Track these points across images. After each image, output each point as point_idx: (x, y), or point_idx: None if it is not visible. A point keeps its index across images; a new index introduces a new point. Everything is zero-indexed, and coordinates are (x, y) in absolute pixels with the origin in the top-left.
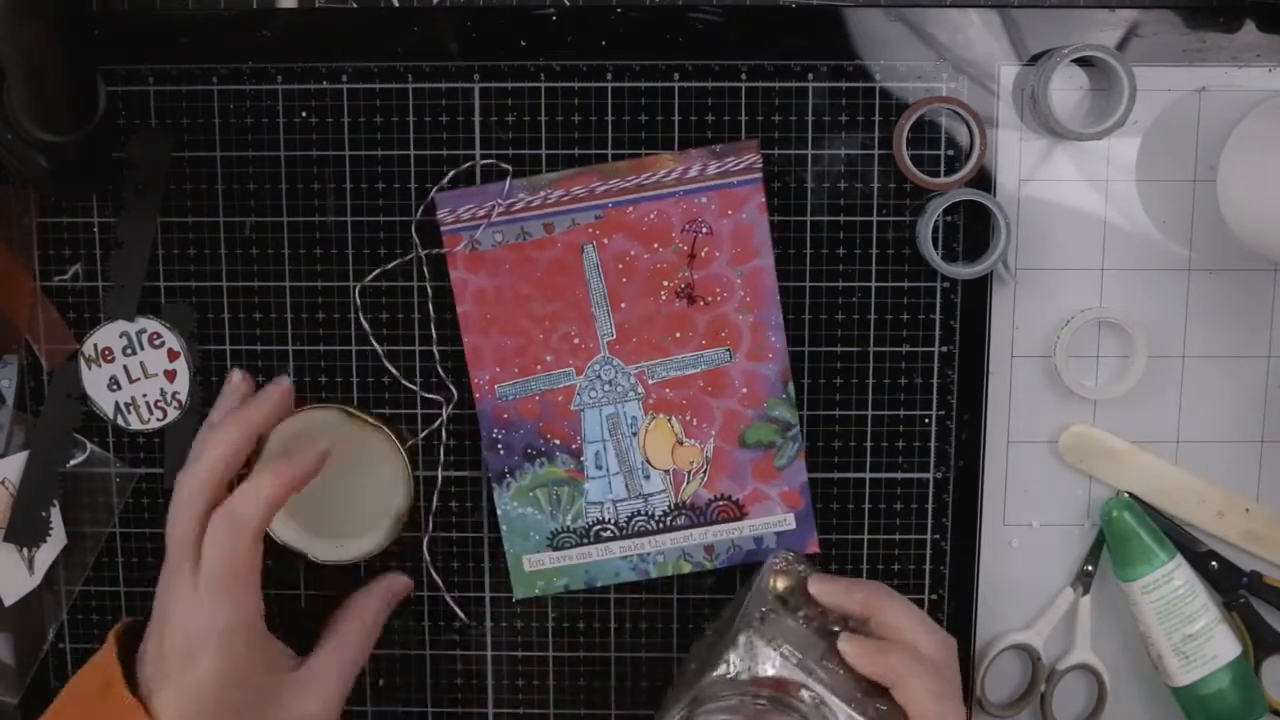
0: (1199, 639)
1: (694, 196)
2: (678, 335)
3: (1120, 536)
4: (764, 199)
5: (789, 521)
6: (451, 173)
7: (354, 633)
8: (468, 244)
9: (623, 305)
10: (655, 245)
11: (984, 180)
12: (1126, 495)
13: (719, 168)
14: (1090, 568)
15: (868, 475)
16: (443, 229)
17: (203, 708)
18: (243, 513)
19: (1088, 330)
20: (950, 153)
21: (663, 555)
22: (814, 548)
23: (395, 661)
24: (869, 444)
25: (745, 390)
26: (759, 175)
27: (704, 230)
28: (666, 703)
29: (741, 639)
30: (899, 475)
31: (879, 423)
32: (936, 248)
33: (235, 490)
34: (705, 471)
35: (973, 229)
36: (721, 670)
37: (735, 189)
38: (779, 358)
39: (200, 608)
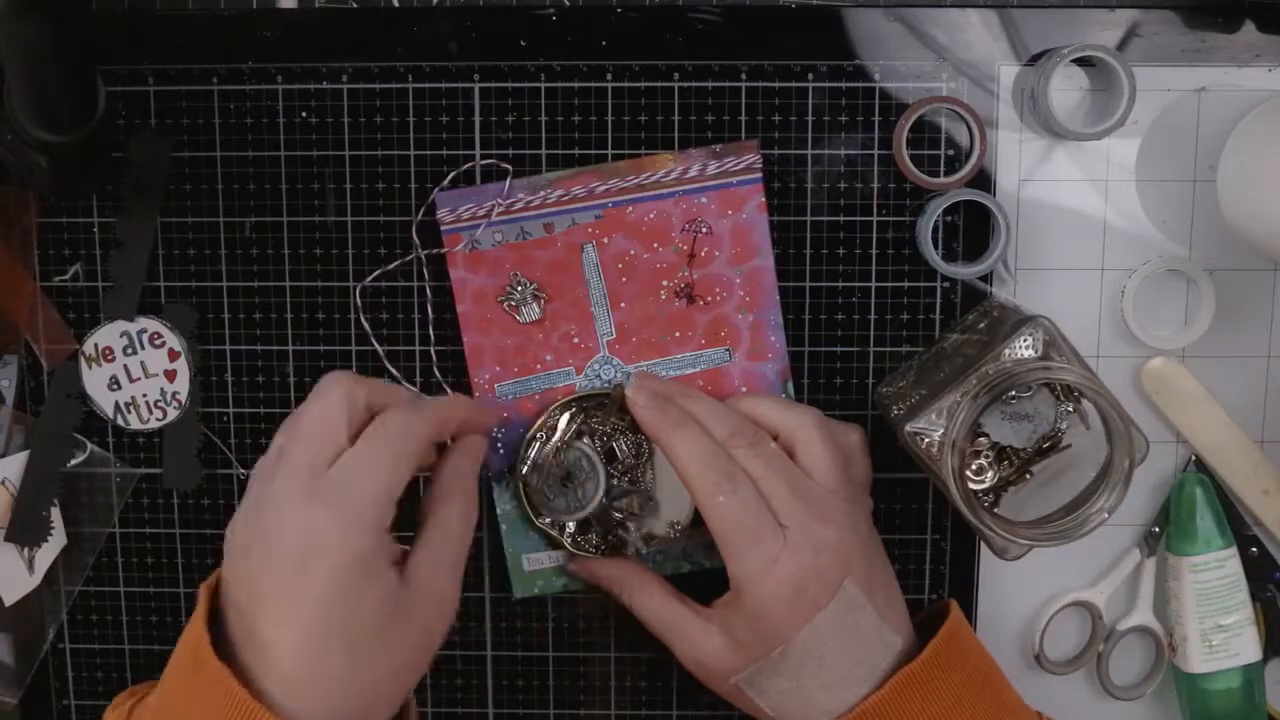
0: (1228, 632)
1: (694, 196)
2: (677, 335)
3: (1186, 510)
4: (764, 199)
5: None
6: (452, 173)
7: (457, 508)
8: (468, 244)
9: (622, 305)
10: (655, 245)
11: (984, 180)
12: (1197, 469)
13: (719, 167)
14: (1157, 529)
15: None
16: (443, 229)
17: (318, 630)
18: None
19: (1149, 283)
20: (950, 153)
21: (662, 555)
22: None
23: None
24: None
25: (745, 390)
26: (759, 175)
27: (704, 230)
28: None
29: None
30: (899, 475)
31: (878, 424)
32: (937, 248)
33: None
34: None
35: (972, 229)
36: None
37: (735, 189)
38: (779, 357)
39: (321, 505)
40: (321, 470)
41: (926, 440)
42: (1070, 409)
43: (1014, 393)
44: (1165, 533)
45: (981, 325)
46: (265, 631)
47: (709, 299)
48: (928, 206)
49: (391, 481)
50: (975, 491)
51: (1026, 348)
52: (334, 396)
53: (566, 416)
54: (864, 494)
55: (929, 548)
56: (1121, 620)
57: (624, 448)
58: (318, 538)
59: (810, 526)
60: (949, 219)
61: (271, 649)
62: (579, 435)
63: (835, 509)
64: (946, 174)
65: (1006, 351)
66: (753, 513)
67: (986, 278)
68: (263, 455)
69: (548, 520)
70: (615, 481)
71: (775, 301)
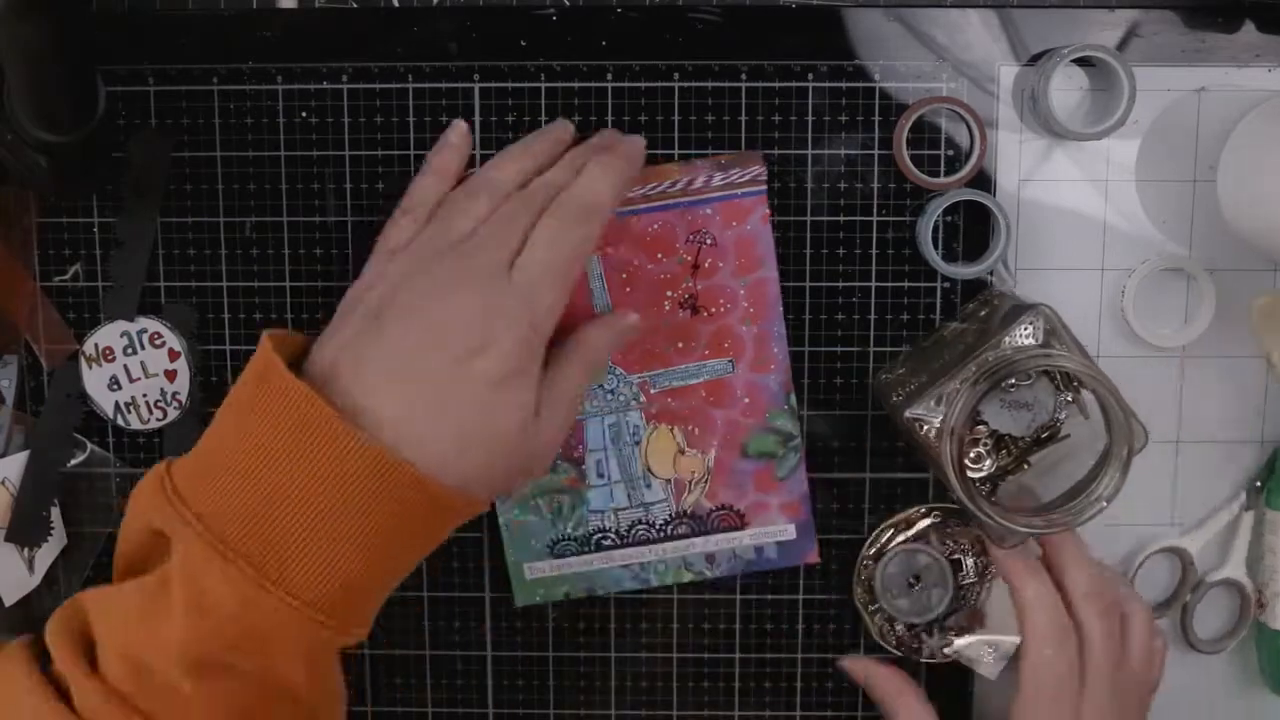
0: None
1: (698, 207)
2: (680, 345)
3: None
4: (768, 210)
5: (789, 531)
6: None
7: (580, 367)
8: None
9: None
10: (659, 255)
11: (984, 180)
12: None
13: (724, 179)
14: (1259, 484)
15: (868, 475)
16: None
17: (471, 422)
18: (594, 198)
19: (1150, 282)
20: (950, 153)
21: (664, 564)
22: (813, 558)
23: (395, 661)
24: (869, 444)
25: (747, 401)
26: (764, 187)
27: (708, 241)
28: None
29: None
30: (899, 475)
31: (879, 423)
32: (937, 248)
33: (580, 177)
34: (707, 481)
35: (972, 229)
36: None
37: (740, 200)
38: (781, 369)
39: (512, 299)
40: (510, 257)
41: (925, 426)
42: (1069, 398)
43: (1013, 380)
44: (1267, 487)
45: (982, 313)
46: (390, 408)
47: (713, 310)
48: (928, 206)
49: (567, 293)
50: (973, 479)
51: (1027, 335)
52: (508, 174)
53: (928, 521)
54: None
55: None
56: (1212, 572)
57: (969, 564)
58: (503, 325)
59: (1105, 713)
60: (949, 219)
61: (400, 423)
62: (929, 539)
63: (1134, 708)
64: (946, 174)
65: (1006, 339)
66: (1066, 677)
67: (986, 277)
68: (402, 217)
69: (877, 607)
70: (959, 597)
71: (779, 313)
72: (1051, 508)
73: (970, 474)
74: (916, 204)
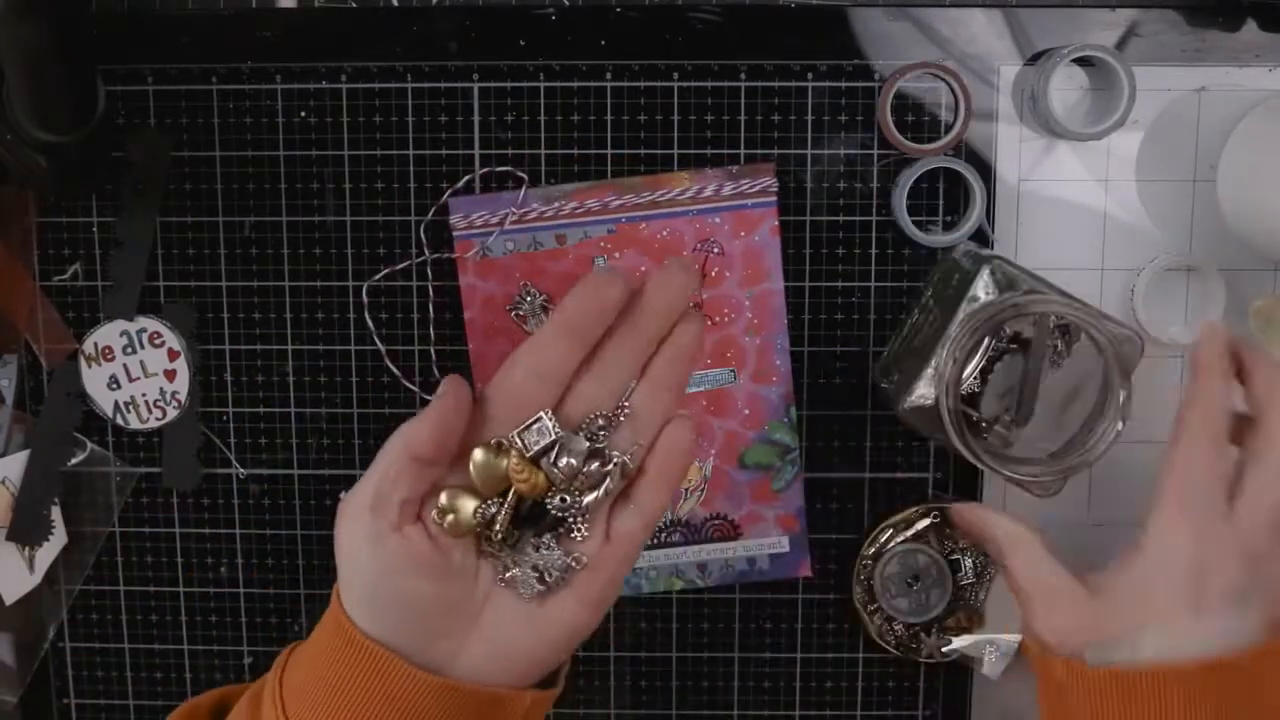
0: None
1: (708, 216)
2: None
3: None
4: (777, 222)
5: (783, 544)
6: (467, 177)
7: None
8: (479, 250)
9: None
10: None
11: (986, 176)
12: None
13: (734, 189)
14: None
15: (867, 475)
16: (455, 234)
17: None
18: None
19: (1159, 279)
20: (938, 132)
21: (655, 571)
22: (805, 571)
23: None
24: (869, 444)
25: (747, 412)
26: (774, 199)
27: (716, 250)
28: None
29: None
30: (899, 475)
31: (879, 423)
32: (927, 229)
33: None
34: (703, 490)
35: (956, 200)
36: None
37: (749, 211)
38: (783, 381)
39: None
40: None
41: (925, 403)
42: (1059, 341)
43: (996, 341)
44: None
45: (945, 288)
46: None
47: (717, 319)
48: (899, 176)
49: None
50: (983, 440)
51: (988, 293)
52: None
53: (927, 521)
54: None
55: None
56: None
57: (968, 564)
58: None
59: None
60: (934, 190)
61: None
62: (928, 540)
63: None
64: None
65: (964, 308)
66: (1217, 483)
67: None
68: None
69: (875, 607)
70: (958, 597)
71: (783, 325)
72: (1071, 446)
73: (980, 434)
74: (893, 171)
